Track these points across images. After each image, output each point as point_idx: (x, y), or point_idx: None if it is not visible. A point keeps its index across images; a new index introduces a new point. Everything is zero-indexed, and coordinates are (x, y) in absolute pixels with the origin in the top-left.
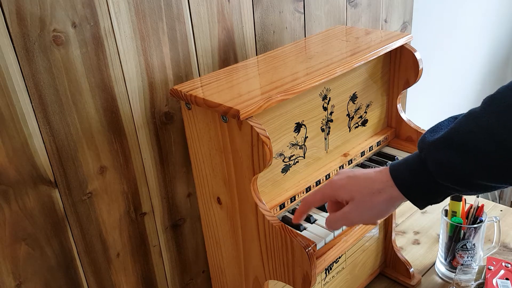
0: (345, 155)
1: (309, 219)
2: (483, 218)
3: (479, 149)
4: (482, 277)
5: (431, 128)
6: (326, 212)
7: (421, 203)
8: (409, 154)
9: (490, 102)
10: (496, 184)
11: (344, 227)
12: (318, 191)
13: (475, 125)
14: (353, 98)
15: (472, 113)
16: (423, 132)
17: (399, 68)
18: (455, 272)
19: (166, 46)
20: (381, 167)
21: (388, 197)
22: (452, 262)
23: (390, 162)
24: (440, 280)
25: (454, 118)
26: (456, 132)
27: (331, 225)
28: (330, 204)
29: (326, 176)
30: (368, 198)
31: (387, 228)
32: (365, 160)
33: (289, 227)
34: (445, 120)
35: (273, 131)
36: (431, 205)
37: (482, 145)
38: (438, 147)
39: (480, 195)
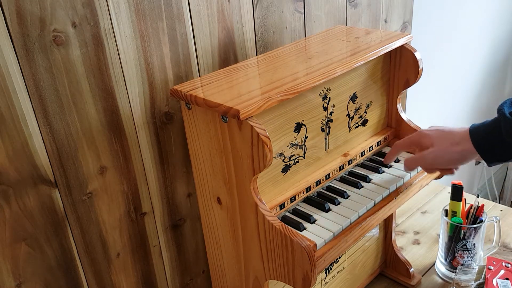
0: (345, 155)
1: (309, 219)
2: (483, 218)
3: None
4: (482, 277)
5: (509, 99)
6: (326, 212)
7: (489, 159)
8: (488, 119)
9: None
10: None
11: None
12: (407, 138)
13: None
14: (353, 98)
15: None
16: None
17: (399, 68)
18: (455, 272)
19: (166, 46)
20: (462, 127)
21: (462, 149)
22: (452, 262)
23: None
24: (440, 280)
25: None
26: None
27: (409, 164)
28: (412, 151)
29: (326, 176)
30: (446, 146)
31: (387, 228)
32: (365, 160)
33: (289, 227)
34: None
35: (273, 131)
36: (498, 162)
37: None
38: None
39: (480, 195)
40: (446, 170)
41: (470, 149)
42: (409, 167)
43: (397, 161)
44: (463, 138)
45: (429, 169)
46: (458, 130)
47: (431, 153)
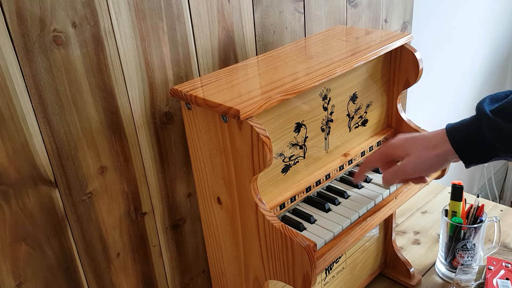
0: (345, 155)
1: (309, 219)
2: (483, 218)
3: None
4: (482, 277)
5: (489, 96)
6: (326, 212)
7: (469, 160)
8: (465, 118)
9: None
10: None
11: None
12: (377, 152)
13: None
14: (353, 98)
15: None
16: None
17: (399, 68)
18: (455, 272)
19: (166, 46)
20: (436, 130)
21: (441, 152)
22: (452, 262)
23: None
24: (440, 280)
25: (510, 91)
26: (509, 104)
27: (388, 179)
28: (383, 164)
29: (326, 176)
30: (423, 152)
31: (387, 228)
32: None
33: (289, 227)
34: (502, 92)
35: (273, 131)
36: (476, 164)
37: None
38: (493, 113)
39: (480, 195)
40: (418, 179)
41: (449, 150)
42: (388, 183)
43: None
44: (440, 140)
45: (409, 180)
46: (432, 133)
47: (409, 162)
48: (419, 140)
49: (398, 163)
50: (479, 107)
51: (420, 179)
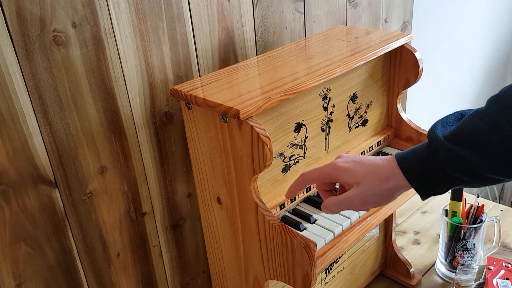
0: None
1: (309, 219)
2: (483, 218)
3: (488, 145)
4: (482, 277)
5: (439, 121)
6: None
7: (425, 193)
8: (414, 146)
9: (495, 101)
10: (504, 178)
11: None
12: (318, 170)
13: (482, 122)
14: (353, 98)
15: (478, 111)
16: (424, 132)
17: (399, 68)
18: (455, 272)
19: (166, 46)
20: (386, 156)
21: (394, 185)
22: (452, 262)
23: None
24: (440, 280)
25: (459, 113)
26: (465, 129)
27: (331, 209)
28: (321, 185)
29: None
30: (374, 185)
31: (387, 228)
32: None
33: (289, 227)
34: (451, 114)
35: (273, 131)
36: (434, 195)
37: (490, 140)
38: (449, 140)
39: (480, 195)
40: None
41: (403, 184)
42: (331, 212)
43: None
44: (392, 172)
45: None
46: (383, 161)
47: (358, 194)
48: (370, 168)
49: (337, 185)
50: (432, 135)
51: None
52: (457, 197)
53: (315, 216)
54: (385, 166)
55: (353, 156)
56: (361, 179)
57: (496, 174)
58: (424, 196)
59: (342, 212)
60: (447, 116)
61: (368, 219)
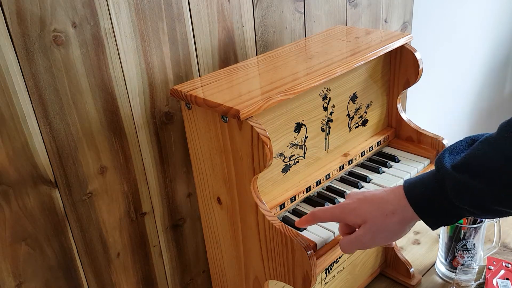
0: (345, 155)
1: None
2: (483, 218)
3: (497, 174)
4: (483, 277)
5: (448, 148)
6: None
7: (435, 224)
8: (423, 173)
9: (507, 128)
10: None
11: None
12: (328, 210)
13: (492, 150)
14: (353, 98)
15: (488, 139)
16: (424, 132)
17: (399, 68)
18: (455, 272)
19: (166, 46)
20: (393, 187)
21: (401, 218)
22: (452, 262)
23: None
24: (440, 280)
25: (470, 139)
26: (474, 157)
27: (345, 249)
28: (342, 226)
29: (326, 176)
30: (380, 220)
31: None
32: (365, 160)
33: (289, 227)
34: (461, 140)
35: (273, 131)
36: (444, 226)
37: (500, 170)
38: (457, 170)
39: None
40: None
41: (411, 216)
42: (347, 251)
43: (398, 161)
44: (398, 204)
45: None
46: (389, 194)
47: (366, 233)
48: (375, 203)
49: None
50: (439, 164)
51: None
52: None
53: None
54: (391, 199)
55: (358, 194)
56: (367, 217)
57: (504, 206)
58: (434, 227)
59: None
60: (456, 143)
61: None
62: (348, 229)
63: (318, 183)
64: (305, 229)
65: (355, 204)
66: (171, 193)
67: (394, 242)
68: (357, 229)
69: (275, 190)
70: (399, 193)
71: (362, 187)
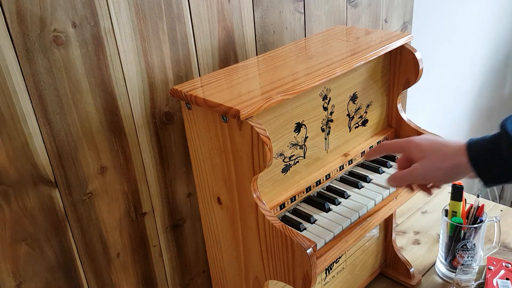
0: (345, 155)
1: (309, 219)
2: (484, 218)
3: None
4: (483, 277)
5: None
6: (327, 212)
7: (486, 179)
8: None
9: None
10: None
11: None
12: (396, 142)
13: None
14: (353, 98)
15: None
16: (424, 132)
17: (399, 68)
18: (455, 272)
19: (166, 46)
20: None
21: (456, 163)
22: (452, 262)
23: (395, 158)
24: (440, 280)
25: None
26: None
27: (395, 181)
28: (401, 159)
29: (326, 176)
30: (438, 160)
31: (387, 228)
32: (365, 160)
33: (289, 227)
34: None
35: (273, 131)
36: (495, 184)
37: None
38: None
39: (480, 195)
40: (425, 188)
41: (464, 164)
42: (394, 184)
43: None
44: (458, 151)
45: (414, 186)
46: (454, 142)
47: (420, 168)
48: (438, 145)
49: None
50: (502, 125)
51: (426, 189)
52: (457, 197)
53: (315, 216)
54: (453, 145)
55: (430, 135)
56: (427, 153)
57: None
58: (485, 183)
59: (342, 212)
60: None
61: (368, 219)
62: (406, 163)
63: (318, 183)
64: (305, 228)
65: (421, 141)
66: (171, 193)
67: (436, 190)
68: (413, 165)
69: (275, 190)
70: (462, 144)
71: (362, 187)
